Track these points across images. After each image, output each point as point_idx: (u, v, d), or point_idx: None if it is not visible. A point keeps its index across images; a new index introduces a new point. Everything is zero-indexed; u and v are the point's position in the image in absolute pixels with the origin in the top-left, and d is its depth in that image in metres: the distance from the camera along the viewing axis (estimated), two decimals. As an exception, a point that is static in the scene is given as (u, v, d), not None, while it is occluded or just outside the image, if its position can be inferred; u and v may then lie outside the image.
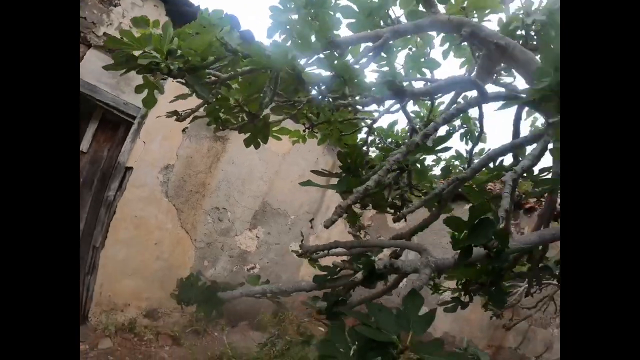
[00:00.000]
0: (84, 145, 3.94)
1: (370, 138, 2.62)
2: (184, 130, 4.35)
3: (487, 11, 2.18)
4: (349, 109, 2.38)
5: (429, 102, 2.58)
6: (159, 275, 4.55)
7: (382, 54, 2.14)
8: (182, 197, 4.54)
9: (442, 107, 2.72)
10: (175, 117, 2.13)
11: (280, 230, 5.92)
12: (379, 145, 2.88)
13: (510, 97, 1.50)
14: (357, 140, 2.62)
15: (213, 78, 1.85)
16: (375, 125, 2.62)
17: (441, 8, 2.07)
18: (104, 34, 3.63)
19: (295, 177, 5.88)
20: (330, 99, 1.74)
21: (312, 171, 1.94)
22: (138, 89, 1.87)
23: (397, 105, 2.24)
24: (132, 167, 4.03)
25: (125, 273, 4.25)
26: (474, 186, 1.85)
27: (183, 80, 1.76)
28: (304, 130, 2.58)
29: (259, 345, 4.46)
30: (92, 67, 3.60)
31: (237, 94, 2.07)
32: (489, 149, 1.65)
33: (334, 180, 1.82)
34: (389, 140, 2.94)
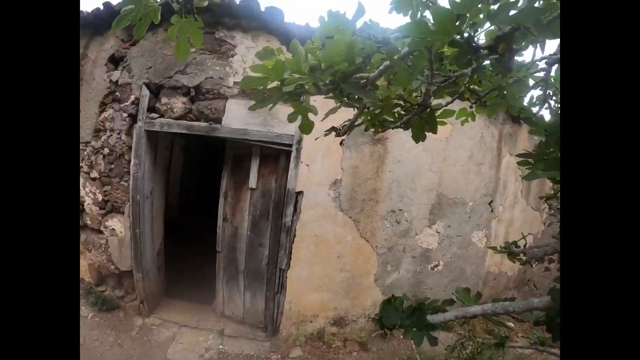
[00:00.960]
0: (252, 182, 3.99)
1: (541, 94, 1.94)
2: (341, 143, 4.08)
3: None
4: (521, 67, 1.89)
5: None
6: (343, 285, 4.36)
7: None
8: (356, 208, 4.27)
9: None
10: (334, 132, 1.92)
11: (460, 220, 5.27)
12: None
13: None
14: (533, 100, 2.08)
15: (362, 81, 1.53)
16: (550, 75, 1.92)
17: None
18: (234, 83, 3.63)
19: (465, 160, 5.18)
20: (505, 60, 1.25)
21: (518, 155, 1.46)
22: (291, 117, 1.58)
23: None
24: (302, 191, 3.89)
25: (311, 288, 4.19)
26: None
27: (331, 95, 1.52)
28: (471, 106, 2.16)
29: (448, 348, 4.02)
30: (236, 114, 3.67)
31: (390, 89, 1.74)
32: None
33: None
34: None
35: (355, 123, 1.94)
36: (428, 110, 1.80)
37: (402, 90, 1.82)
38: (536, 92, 2.02)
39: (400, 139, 4.48)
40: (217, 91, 3.67)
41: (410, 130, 1.91)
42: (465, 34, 1.09)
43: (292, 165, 3.83)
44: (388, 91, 1.70)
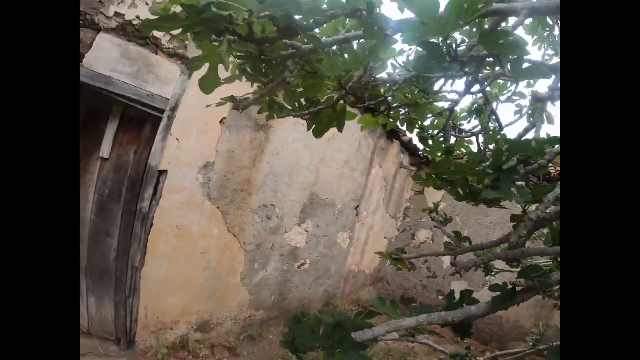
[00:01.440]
0: (105, 151, 3.04)
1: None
2: (222, 121, 3.46)
3: None
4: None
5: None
6: (208, 286, 3.72)
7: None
8: (226, 198, 3.67)
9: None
10: (231, 104, 1.52)
11: (328, 221, 5.07)
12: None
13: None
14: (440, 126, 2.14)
15: (291, 51, 1.28)
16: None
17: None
18: (116, 14, 2.69)
19: (341, 164, 4.99)
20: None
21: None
22: (194, 64, 1.01)
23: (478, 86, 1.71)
24: (166, 170, 3.15)
25: (171, 290, 3.41)
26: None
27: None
28: (376, 114, 1.99)
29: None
30: (105, 55, 2.64)
31: (333, 68, 1.40)
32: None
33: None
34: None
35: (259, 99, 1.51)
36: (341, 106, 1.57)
37: (343, 73, 1.44)
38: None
39: (284, 130, 4.03)
40: (90, 18, 2.63)
41: (305, 122, 1.65)
42: (448, 40, 1.00)
43: (159, 136, 3.05)
44: (330, 70, 1.40)
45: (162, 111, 3.01)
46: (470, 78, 1.43)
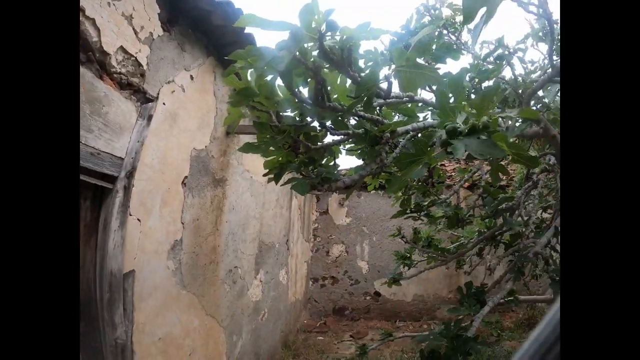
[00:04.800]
0: None
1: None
2: (183, 182, 2.24)
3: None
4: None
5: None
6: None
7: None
8: (198, 278, 2.40)
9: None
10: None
11: (273, 264, 4.06)
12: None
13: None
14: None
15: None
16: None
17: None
18: None
19: (274, 204, 4.07)
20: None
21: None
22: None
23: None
24: (132, 270, 1.83)
25: None
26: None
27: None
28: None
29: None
30: None
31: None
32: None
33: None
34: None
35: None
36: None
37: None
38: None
39: (236, 181, 2.96)
40: None
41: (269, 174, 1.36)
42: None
43: (115, 222, 1.70)
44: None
45: (113, 179, 1.71)
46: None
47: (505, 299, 1.84)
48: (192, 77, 2.25)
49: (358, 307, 5.75)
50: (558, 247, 2.06)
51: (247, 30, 2.25)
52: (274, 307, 4.11)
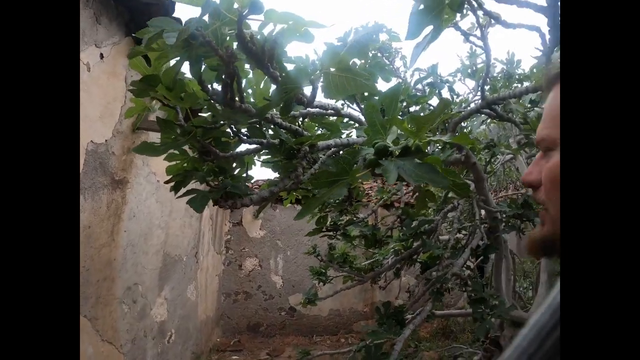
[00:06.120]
0: None
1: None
2: None
3: None
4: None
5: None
6: None
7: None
8: (91, 298, 2.04)
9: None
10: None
11: (179, 278, 3.72)
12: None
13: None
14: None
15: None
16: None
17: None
18: None
19: (183, 213, 3.74)
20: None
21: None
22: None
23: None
24: None
25: None
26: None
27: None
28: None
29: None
30: None
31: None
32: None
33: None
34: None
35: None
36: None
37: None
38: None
39: (139, 184, 2.63)
40: None
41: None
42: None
43: None
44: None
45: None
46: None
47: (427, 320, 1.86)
48: (102, 56, 1.95)
49: (273, 323, 5.55)
50: (469, 263, 2.16)
51: (178, 14, 2.01)
52: (183, 327, 3.76)
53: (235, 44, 0.86)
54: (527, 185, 0.56)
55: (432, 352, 4.35)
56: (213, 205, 1.08)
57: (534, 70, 2.53)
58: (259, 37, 0.85)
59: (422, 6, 0.87)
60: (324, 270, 2.59)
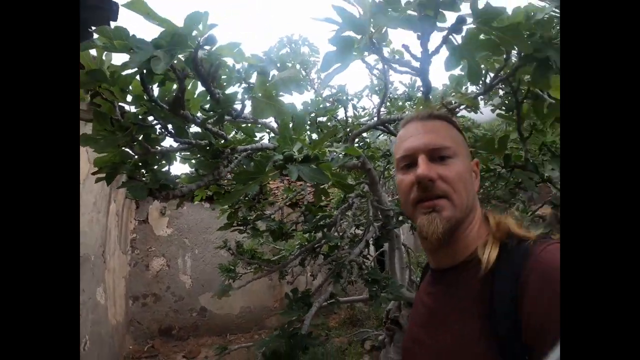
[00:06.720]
0: None
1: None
2: None
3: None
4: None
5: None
6: None
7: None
8: None
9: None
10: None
11: (88, 280, 3.58)
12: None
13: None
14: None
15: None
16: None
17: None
18: None
19: (90, 207, 3.60)
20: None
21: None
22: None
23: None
24: None
25: None
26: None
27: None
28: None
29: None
30: None
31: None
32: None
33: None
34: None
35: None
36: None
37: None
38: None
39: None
40: None
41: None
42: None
43: None
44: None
45: None
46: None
47: (328, 302, 2.17)
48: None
49: (185, 325, 5.49)
50: (368, 256, 2.53)
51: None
52: (95, 333, 3.62)
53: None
54: (428, 180, 0.65)
55: (342, 338, 4.81)
56: (148, 195, 1.22)
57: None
58: (206, 60, 1.05)
59: (335, 48, 1.14)
60: (233, 267, 2.75)
